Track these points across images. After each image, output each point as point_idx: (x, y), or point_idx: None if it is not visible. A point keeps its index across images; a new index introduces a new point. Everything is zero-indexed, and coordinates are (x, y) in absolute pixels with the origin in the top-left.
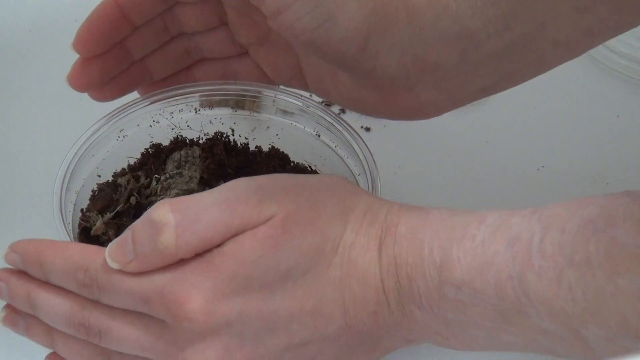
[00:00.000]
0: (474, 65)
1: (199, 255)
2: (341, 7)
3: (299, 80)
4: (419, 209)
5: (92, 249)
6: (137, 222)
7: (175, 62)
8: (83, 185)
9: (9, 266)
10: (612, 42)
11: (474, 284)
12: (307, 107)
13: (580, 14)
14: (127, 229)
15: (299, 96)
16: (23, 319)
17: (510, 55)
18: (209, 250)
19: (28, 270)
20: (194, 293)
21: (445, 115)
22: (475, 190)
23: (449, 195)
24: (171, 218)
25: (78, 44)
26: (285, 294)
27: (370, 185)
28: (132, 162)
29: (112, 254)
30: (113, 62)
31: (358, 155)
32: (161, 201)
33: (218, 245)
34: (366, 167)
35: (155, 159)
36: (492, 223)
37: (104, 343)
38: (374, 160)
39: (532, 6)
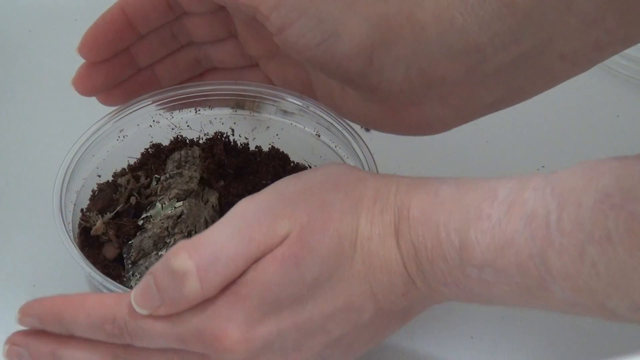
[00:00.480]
0: (481, 79)
1: (224, 288)
2: (345, 23)
3: (309, 94)
4: (426, 184)
5: (110, 298)
6: (157, 269)
7: (185, 70)
8: (83, 185)
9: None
10: None
11: (495, 264)
12: (307, 107)
13: (588, 26)
14: (147, 273)
15: (299, 96)
16: None
17: (518, 70)
18: (233, 281)
19: (47, 329)
20: (229, 327)
21: None
22: None
23: None
24: (192, 265)
25: (83, 49)
26: (315, 300)
27: None
28: (132, 162)
29: (139, 302)
30: (118, 68)
31: (358, 155)
32: (176, 246)
33: (241, 275)
34: (366, 167)
35: (155, 159)
36: (504, 199)
37: None
38: (374, 160)
39: (540, 20)
